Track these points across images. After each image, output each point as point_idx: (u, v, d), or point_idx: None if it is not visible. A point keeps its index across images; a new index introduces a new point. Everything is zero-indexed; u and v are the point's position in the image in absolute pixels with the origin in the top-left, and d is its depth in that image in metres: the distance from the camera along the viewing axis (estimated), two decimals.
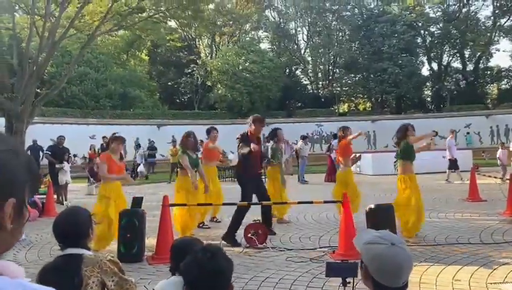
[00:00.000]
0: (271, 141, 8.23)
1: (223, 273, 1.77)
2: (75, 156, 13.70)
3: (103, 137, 17.10)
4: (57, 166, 11.42)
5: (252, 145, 6.22)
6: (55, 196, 10.69)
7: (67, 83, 22.85)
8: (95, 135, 21.29)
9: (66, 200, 11.07)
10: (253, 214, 7.19)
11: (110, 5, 12.35)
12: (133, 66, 35.46)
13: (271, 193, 7.27)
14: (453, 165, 14.32)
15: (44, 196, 9.96)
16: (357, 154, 8.99)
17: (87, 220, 2.23)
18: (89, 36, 13.16)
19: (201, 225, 7.57)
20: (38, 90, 15.54)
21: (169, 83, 37.42)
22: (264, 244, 5.84)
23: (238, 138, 6.60)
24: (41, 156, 15.21)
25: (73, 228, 2.13)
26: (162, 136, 24.11)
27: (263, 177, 7.29)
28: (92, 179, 14.32)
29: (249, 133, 6.62)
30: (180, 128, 24.49)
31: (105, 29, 14.28)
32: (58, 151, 11.76)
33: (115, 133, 6.58)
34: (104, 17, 12.57)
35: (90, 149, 17.09)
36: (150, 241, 5.87)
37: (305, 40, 39.19)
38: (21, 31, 14.77)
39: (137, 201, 6.05)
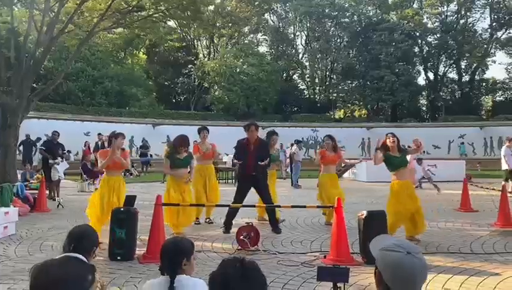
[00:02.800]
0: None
1: None
2: (69, 152, 13.63)
3: (98, 134, 17.08)
4: (50, 161, 11.36)
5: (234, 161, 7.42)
6: (47, 192, 10.63)
7: (63, 79, 22.72)
8: (89, 131, 21.22)
9: (58, 196, 11.00)
10: (245, 217, 7.21)
11: (109, 2, 12.32)
12: (131, 65, 35.39)
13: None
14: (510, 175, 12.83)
15: (37, 191, 9.91)
16: (352, 160, 9.08)
17: (95, 239, 2.60)
18: (88, 33, 13.11)
19: (196, 222, 7.72)
20: (35, 85, 15.46)
21: (166, 83, 37.40)
22: (256, 247, 5.84)
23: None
24: (34, 151, 15.15)
25: (83, 237, 2.50)
26: (157, 135, 24.09)
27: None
28: (85, 175, 14.26)
29: (245, 140, 7.26)
30: (175, 128, 24.54)
31: (104, 26, 14.21)
32: (53, 147, 11.70)
33: (114, 132, 6.88)
34: (103, 15, 12.52)
35: (85, 146, 17.03)
36: (142, 240, 5.85)
37: (304, 45, 39.40)
38: (19, 24, 14.69)
39: (130, 200, 6.05)
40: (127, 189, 6.90)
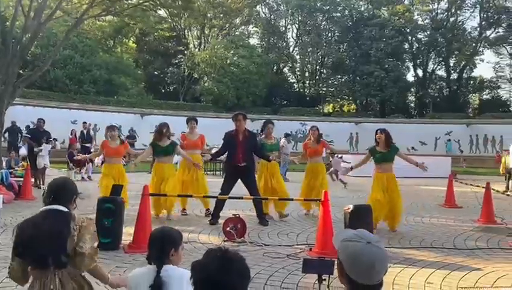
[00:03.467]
0: (262, 134, 8.19)
1: (232, 289, 1.56)
2: (55, 140, 13.47)
3: (84, 123, 16.88)
4: (35, 149, 11.21)
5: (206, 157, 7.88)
6: (32, 180, 10.51)
7: (50, 66, 22.38)
8: (76, 120, 20.96)
9: (43, 184, 10.88)
10: (233, 209, 7.22)
11: None
12: (120, 53, 34.95)
13: (260, 187, 7.60)
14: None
15: (22, 179, 9.79)
16: (339, 155, 9.17)
17: (74, 189, 2.65)
18: (76, 19, 12.92)
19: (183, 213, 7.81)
20: (21, 72, 15.21)
21: (155, 72, 37.03)
22: (243, 238, 5.87)
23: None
24: (19, 138, 14.93)
25: (62, 188, 2.58)
26: (145, 125, 23.85)
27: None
28: (71, 164, 14.12)
29: (233, 132, 7.28)
30: (163, 118, 24.17)
31: (93, 13, 14.02)
32: (38, 135, 11.55)
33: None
34: (93, 1, 12.36)
35: (71, 134, 16.83)
36: (128, 229, 5.83)
37: (295, 38, 39.26)
38: (6, 9, 14.43)
39: (116, 189, 6.03)
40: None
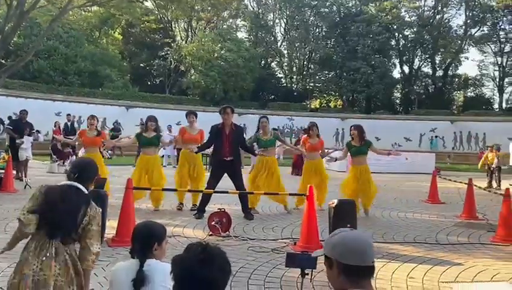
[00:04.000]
0: (260, 130, 8.11)
1: (212, 284, 1.54)
2: (38, 132, 13.25)
3: (68, 115, 16.67)
4: (17, 141, 11.00)
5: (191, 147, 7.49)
6: (14, 172, 10.32)
7: (34, 56, 22.06)
8: (60, 112, 20.66)
9: (25, 177, 10.70)
10: (218, 203, 7.20)
11: None
12: (105, 44, 34.52)
13: (258, 181, 7.61)
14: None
15: (3, 171, 9.62)
16: (328, 150, 9.25)
17: (97, 170, 2.88)
18: (61, 9, 12.70)
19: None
20: (3, 61, 14.92)
21: (141, 64, 36.63)
22: (227, 233, 5.86)
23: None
24: (1, 129, 14.65)
25: (87, 166, 2.80)
26: (131, 118, 23.61)
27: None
28: (54, 156, 13.92)
29: (220, 125, 7.26)
30: (149, 111, 24.00)
31: (78, 3, 13.82)
32: (21, 126, 11.33)
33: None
34: None
35: (55, 126, 16.59)
36: (111, 223, 5.76)
37: (283, 33, 39.22)
38: None
39: (100, 182, 5.95)
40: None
